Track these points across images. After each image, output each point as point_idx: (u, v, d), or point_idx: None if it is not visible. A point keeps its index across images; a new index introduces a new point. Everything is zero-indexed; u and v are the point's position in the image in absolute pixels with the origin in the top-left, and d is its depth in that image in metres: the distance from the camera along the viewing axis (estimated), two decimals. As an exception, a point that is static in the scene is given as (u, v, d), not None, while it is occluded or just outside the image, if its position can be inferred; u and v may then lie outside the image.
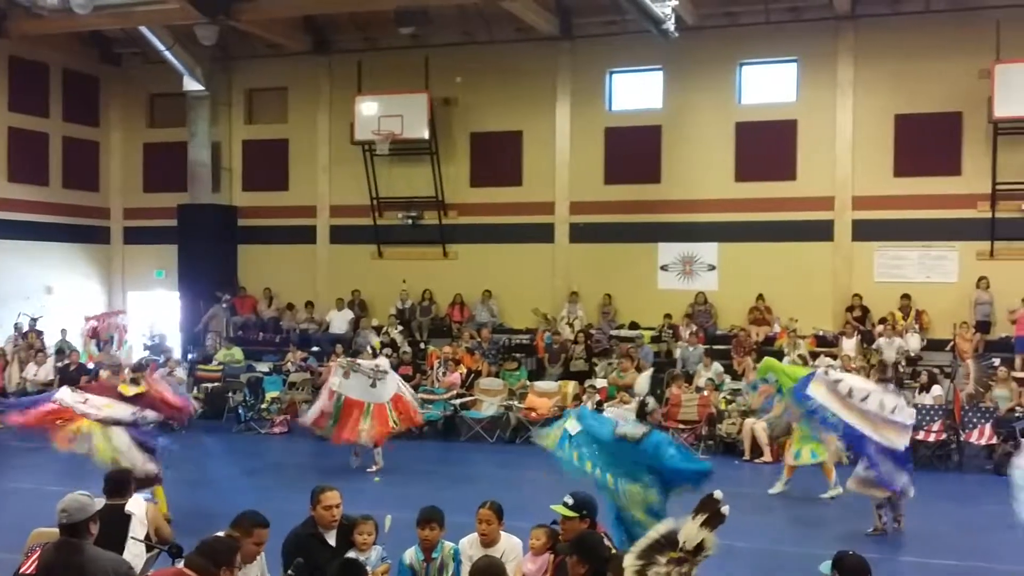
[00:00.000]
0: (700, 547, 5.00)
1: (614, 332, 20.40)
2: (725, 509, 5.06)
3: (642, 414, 9.75)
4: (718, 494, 5.13)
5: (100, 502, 5.80)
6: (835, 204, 20.13)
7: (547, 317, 21.09)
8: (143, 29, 21.77)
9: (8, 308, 21.59)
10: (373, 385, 14.60)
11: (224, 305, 22.61)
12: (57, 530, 5.62)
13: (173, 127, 24.35)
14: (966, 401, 15.77)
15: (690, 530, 5.01)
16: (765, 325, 19.88)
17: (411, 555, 6.81)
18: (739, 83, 20.95)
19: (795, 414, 12.12)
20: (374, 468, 14.37)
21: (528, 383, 18.47)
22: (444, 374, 18.53)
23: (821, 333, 19.48)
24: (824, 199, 20.15)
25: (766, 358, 13.27)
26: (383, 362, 15.37)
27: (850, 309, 19.69)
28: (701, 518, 5.04)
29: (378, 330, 21.58)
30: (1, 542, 8.11)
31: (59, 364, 20.10)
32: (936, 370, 17.15)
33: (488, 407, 17.88)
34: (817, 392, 10.78)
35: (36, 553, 5.88)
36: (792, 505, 12.51)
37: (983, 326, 18.84)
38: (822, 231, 20.19)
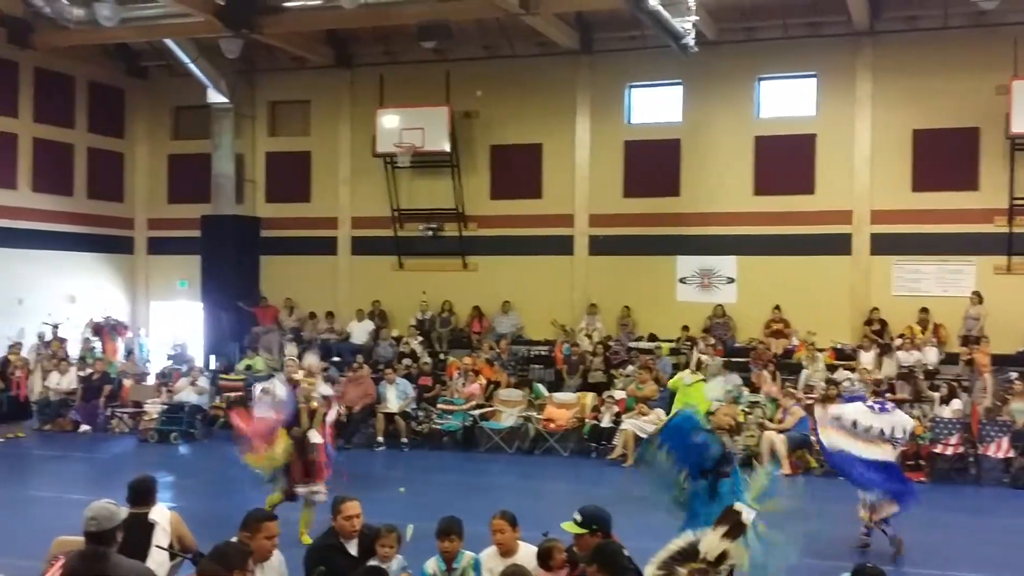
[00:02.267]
0: (721, 558, 5.03)
1: (632, 344, 20.47)
2: (747, 520, 5.10)
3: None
4: (739, 506, 5.17)
5: (125, 511, 5.84)
6: (853, 218, 20.16)
7: (566, 328, 21.18)
8: (168, 42, 22.02)
9: (32, 317, 21.83)
10: None
11: (273, 330, 22.66)
12: (79, 538, 5.61)
13: (197, 139, 24.58)
14: (983, 415, 15.79)
15: (711, 541, 5.04)
16: (783, 338, 19.92)
17: (433, 565, 6.89)
18: (758, 97, 21.03)
19: None
20: None
21: (546, 393, 18.53)
22: (464, 385, 18.64)
23: (839, 346, 19.49)
24: (842, 213, 20.19)
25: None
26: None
27: (868, 322, 19.70)
28: (722, 529, 5.07)
29: (397, 340, 21.74)
30: (24, 550, 8.20)
31: (82, 373, 20.30)
32: (955, 383, 17.15)
33: (507, 418, 17.96)
34: (828, 438, 10.88)
35: (59, 561, 5.91)
36: (809, 519, 12.47)
37: (970, 340, 18.87)
38: (840, 244, 20.22)
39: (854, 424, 10.66)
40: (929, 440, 15.48)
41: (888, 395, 16.86)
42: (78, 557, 5.51)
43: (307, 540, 9.98)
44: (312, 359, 12.96)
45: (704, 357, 18.11)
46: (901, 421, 10.87)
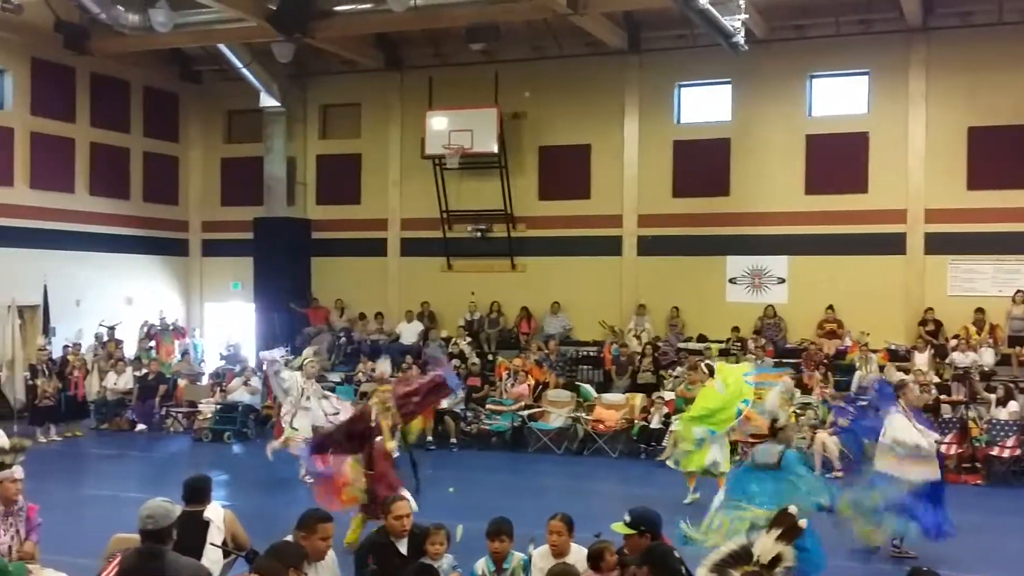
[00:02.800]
0: (776, 561, 4.97)
1: (682, 345, 20.37)
2: (803, 523, 5.04)
3: (773, 431, 9.73)
4: (793, 509, 5.12)
5: (180, 509, 5.91)
6: (907, 217, 19.90)
7: (614, 329, 21.15)
8: (222, 47, 22.36)
9: (89, 319, 22.23)
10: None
11: (324, 330, 22.98)
12: (136, 535, 5.68)
13: (250, 142, 24.92)
14: (1042, 417, 15.50)
15: (765, 544, 4.99)
16: (836, 339, 19.71)
17: (482, 565, 6.92)
18: (809, 95, 20.84)
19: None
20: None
21: (593, 394, 18.48)
22: (512, 385, 18.68)
23: (893, 347, 19.23)
24: (896, 212, 19.93)
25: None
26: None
27: (923, 323, 19.43)
28: (776, 532, 5.01)
29: (447, 341, 21.85)
30: (81, 548, 8.29)
31: (137, 373, 20.64)
32: (1011, 385, 16.85)
33: (556, 419, 17.96)
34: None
35: (116, 559, 6.03)
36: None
37: (1017, 340, 18.50)
38: (894, 244, 19.97)
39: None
40: (985, 442, 15.24)
41: (943, 397, 16.66)
42: (134, 555, 5.57)
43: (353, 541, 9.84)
44: (384, 365, 12.67)
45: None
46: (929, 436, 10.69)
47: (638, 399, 18.00)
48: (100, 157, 23.40)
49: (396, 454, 10.74)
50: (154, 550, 5.49)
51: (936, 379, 17.47)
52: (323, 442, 11.03)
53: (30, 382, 18.52)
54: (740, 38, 16.78)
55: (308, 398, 14.33)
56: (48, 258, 21.36)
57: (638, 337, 20.72)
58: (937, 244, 19.74)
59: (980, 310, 19.04)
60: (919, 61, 19.71)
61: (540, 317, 22.10)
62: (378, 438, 10.62)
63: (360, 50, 22.73)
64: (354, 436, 10.68)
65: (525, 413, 18.08)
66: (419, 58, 23.38)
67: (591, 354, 20.98)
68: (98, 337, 21.99)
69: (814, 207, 20.43)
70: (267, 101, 23.70)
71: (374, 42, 22.92)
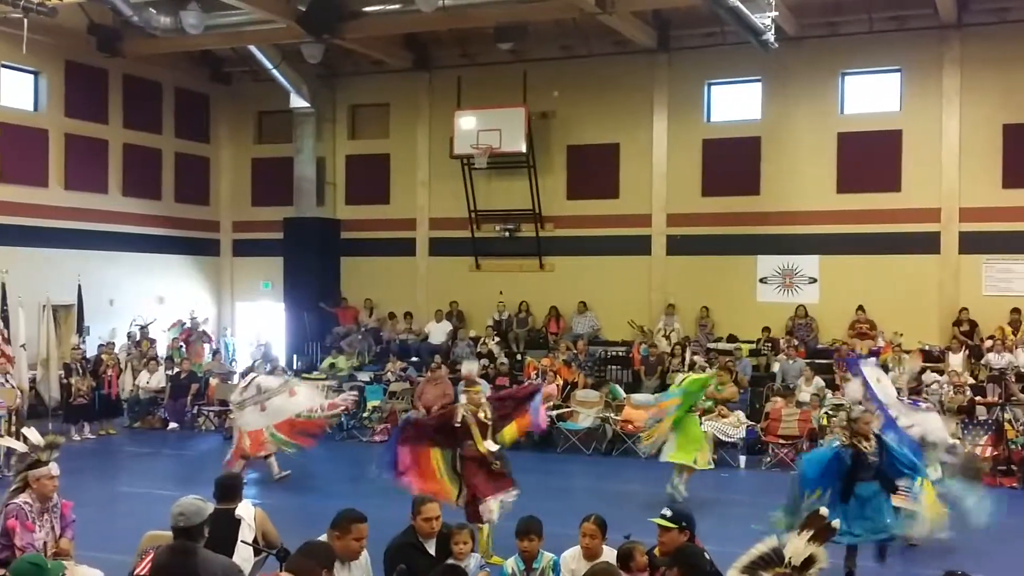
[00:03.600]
0: (808, 563, 4.93)
1: (711, 345, 20.26)
2: (836, 524, 5.00)
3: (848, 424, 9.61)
4: (824, 511, 5.08)
5: (211, 506, 5.97)
6: (941, 216, 19.70)
7: (643, 329, 21.07)
8: (252, 48, 22.48)
9: (123, 318, 22.44)
10: (263, 409, 14.07)
11: (353, 330, 23.11)
12: (169, 533, 5.76)
13: (280, 143, 25.05)
14: (1080, 419, 15.27)
15: (797, 546, 4.95)
16: (868, 339, 19.53)
17: (511, 564, 6.92)
18: (841, 93, 20.66)
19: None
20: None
21: (623, 394, 18.38)
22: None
23: (927, 347, 19.03)
24: (930, 211, 19.73)
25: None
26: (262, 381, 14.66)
27: (957, 323, 19.22)
28: (808, 534, 4.98)
29: (475, 341, 21.86)
30: (115, 544, 8.35)
31: (169, 372, 20.79)
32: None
33: (584, 419, 17.89)
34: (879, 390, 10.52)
35: (149, 555, 6.09)
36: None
37: None
38: (928, 243, 19.77)
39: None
40: (1021, 445, 15.03)
41: (978, 399, 16.46)
42: (167, 551, 5.66)
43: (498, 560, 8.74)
44: (471, 366, 12.24)
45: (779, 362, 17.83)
46: (934, 425, 10.56)
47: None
48: (132, 158, 23.58)
49: (495, 448, 10.36)
50: (186, 547, 5.55)
51: (971, 380, 17.29)
52: (412, 431, 10.65)
53: (64, 381, 18.68)
54: (770, 35, 16.69)
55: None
56: (82, 258, 21.58)
57: (667, 337, 20.64)
58: (972, 243, 19.52)
59: (1016, 310, 18.83)
60: (953, 58, 19.50)
61: (568, 317, 22.07)
62: (468, 442, 10.26)
63: (389, 50, 22.79)
64: (443, 431, 10.39)
65: (554, 413, 18.01)
66: (447, 58, 23.42)
67: (620, 354, 20.91)
68: (131, 336, 22.19)
69: (846, 206, 20.26)
70: (297, 102, 23.82)
71: (403, 42, 22.97)
